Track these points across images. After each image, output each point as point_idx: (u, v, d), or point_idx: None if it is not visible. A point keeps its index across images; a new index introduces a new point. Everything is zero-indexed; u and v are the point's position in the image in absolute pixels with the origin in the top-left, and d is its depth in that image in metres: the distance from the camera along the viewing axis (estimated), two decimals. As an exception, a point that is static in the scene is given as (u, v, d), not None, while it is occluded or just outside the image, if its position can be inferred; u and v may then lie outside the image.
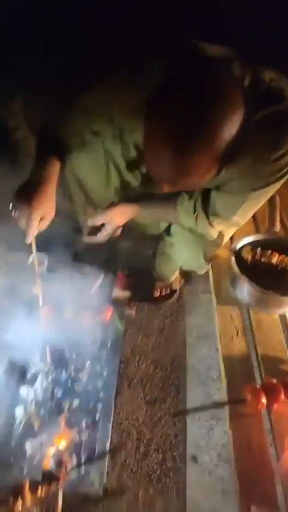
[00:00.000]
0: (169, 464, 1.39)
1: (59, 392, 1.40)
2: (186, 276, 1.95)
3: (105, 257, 1.96)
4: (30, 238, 1.25)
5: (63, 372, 1.44)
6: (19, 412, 1.34)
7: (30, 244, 1.28)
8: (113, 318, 1.60)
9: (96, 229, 1.42)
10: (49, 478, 0.71)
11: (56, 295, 1.62)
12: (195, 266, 1.71)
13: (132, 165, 1.53)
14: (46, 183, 1.23)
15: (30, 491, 0.69)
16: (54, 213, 1.27)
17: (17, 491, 0.69)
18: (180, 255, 1.61)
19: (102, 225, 1.44)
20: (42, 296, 1.43)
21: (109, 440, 1.31)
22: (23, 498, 0.68)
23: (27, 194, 1.19)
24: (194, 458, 1.41)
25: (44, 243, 1.79)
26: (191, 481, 1.36)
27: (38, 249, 1.60)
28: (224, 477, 1.37)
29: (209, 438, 1.45)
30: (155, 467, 1.38)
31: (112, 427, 1.41)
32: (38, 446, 1.26)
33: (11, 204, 1.21)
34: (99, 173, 1.59)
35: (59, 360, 1.48)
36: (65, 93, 1.43)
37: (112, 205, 1.42)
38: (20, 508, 0.68)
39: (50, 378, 1.43)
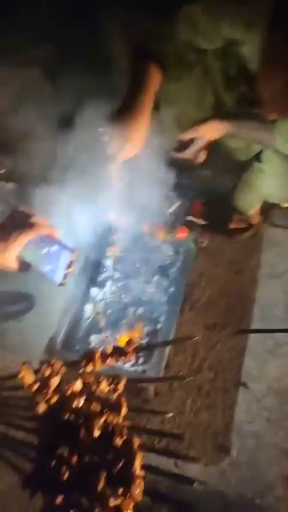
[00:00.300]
0: (219, 384, 1.44)
1: (125, 299, 1.47)
2: (265, 212, 1.87)
3: (185, 182, 1.92)
4: (116, 167, 1.22)
5: (132, 280, 1.50)
6: (88, 308, 1.44)
7: None
8: (187, 239, 1.60)
9: (184, 146, 1.37)
10: (118, 352, 0.76)
11: (132, 208, 1.65)
12: (282, 198, 1.63)
13: (231, 84, 1.44)
14: (143, 112, 1.15)
15: (100, 359, 0.75)
16: (143, 144, 1.19)
17: (89, 356, 0.74)
18: (269, 184, 1.53)
19: (191, 141, 1.39)
20: (118, 204, 1.46)
21: (167, 350, 1.37)
22: (93, 363, 0.74)
23: (123, 122, 1.13)
24: (245, 385, 1.44)
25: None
26: (238, 403, 1.40)
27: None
28: (272, 407, 1.39)
29: (263, 370, 1.47)
30: (205, 383, 1.44)
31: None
32: (101, 341, 1.37)
33: (100, 128, 1.16)
34: (193, 92, 1.52)
35: (129, 269, 1.53)
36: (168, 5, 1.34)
37: (205, 119, 1.35)
38: (90, 369, 0.73)
39: (119, 284, 1.50)
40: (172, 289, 1.48)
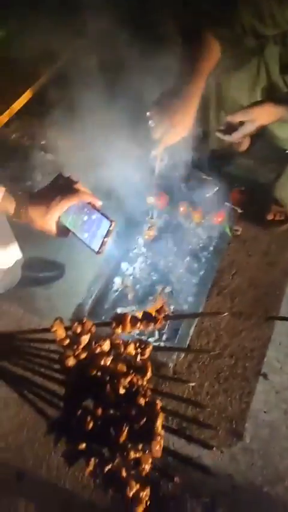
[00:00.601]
0: (239, 371, 1.44)
1: (154, 276, 1.48)
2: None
3: (226, 169, 1.90)
4: (159, 151, 1.21)
5: (163, 259, 1.51)
6: (117, 281, 1.47)
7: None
8: (223, 224, 1.58)
9: (232, 128, 1.35)
10: (148, 318, 0.77)
11: (171, 190, 1.65)
12: None
13: (286, 70, 1.40)
14: (193, 98, 1.12)
15: (130, 323, 0.76)
16: (190, 129, 1.18)
17: (120, 319, 0.76)
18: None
19: (240, 124, 1.36)
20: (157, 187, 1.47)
21: (192, 330, 1.38)
22: (123, 326, 0.75)
23: (171, 107, 1.10)
24: (265, 375, 1.43)
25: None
26: (256, 393, 1.40)
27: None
28: (290, 400, 1.38)
29: (285, 363, 1.46)
30: (225, 368, 1.44)
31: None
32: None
33: (148, 112, 1.14)
34: (246, 76, 1.48)
35: (162, 248, 1.54)
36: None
37: (259, 102, 1.30)
38: (119, 332, 0.75)
39: (149, 261, 1.52)
40: (202, 272, 1.48)
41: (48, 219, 0.86)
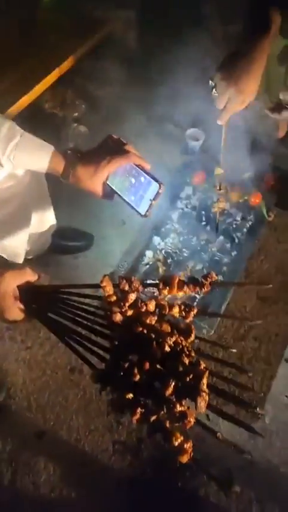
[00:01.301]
0: (262, 354, 1.44)
1: (186, 253, 1.48)
2: None
3: (267, 152, 1.87)
4: (224, 121, 1.13)
5: (195, 238, 1.51)
6: (149, 254, 1.47)
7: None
8: (260, 207, 1.57)
9: (281, 107, 1.31)
10: (196, 283, 0.77)
11: (208, 169, 1.63)
12: None
13: None
14: (258, 62, 1.04)
15: (177, 285, 0.76)
16: (255, 95, 1.09)
17: (167, 280, 0.76)
18: None
19: None
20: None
21: (223, 307, 1.38)
22: (170, 287, 0.75)
23: (235, 72, 1.03)
24: (288, 360, 1.43)
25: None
26: (278, 377, 1.40)
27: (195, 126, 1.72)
28: (312, 386, 1.38)
29: (309, 350, 1.45)
30: (248, 350, 1.45)
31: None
32: (156, 287, 1.40)
33: (211, 80, 1.08)
34: None
35: (194, 226, 1.53)
36: None
37: None
38: (166, 293, 0.75)
39: (181, 238, 1.51)
40: (234, 253, 1.47)
41: (96, 180, 0.85)
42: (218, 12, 2.00)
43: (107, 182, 0.86)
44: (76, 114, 2.16)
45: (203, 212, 1.55)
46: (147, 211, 0.83)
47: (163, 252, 1.48)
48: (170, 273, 1.42)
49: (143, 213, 0.84)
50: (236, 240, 1.50)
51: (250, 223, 1.53)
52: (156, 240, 1.50)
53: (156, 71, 1.99)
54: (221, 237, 1.50)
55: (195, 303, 1.36)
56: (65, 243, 1.62)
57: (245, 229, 1.52)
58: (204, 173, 1.57)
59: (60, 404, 1.34)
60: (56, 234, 1.55)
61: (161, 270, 1.43)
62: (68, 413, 1.32)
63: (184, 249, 1.49)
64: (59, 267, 1.63)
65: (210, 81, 1.08)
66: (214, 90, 1.08)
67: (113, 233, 1.62)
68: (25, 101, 1.68)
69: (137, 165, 0.84)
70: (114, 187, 0.86)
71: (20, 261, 1.31)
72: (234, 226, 1.54)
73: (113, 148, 0.87)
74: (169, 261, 1.46)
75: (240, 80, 1.02)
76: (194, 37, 2.01)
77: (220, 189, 1.54)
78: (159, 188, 0.81)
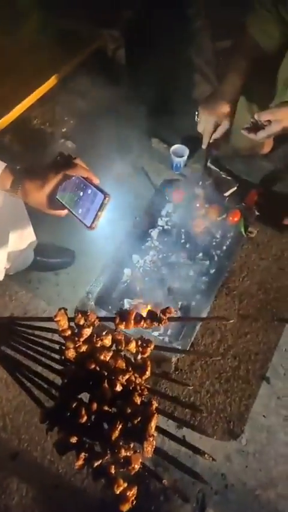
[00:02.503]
0: (241, 373, 1.43)
1: (164, 270, 1.47)
2: None
3: (245, 170, 1.87)
4: (205, 145, 1.44)
5: (174, 255, 1.50)
6: (127, 272, 1.46)
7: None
8: (238, 225, 1.56)
9: (257, 127, 1.31)
10: (153, 317, 0.76)
11: (188, 187, 1.63)
12: None
13: None
14: (233, 94, 1.35)
15: (134, 320, 0.75)
16: (231, 124, 1.38)
17: (124, 315, 0.75)
18: None
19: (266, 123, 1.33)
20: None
21: (197, 327, 1.37)
22: (127, 322, 0.75)
23: (214, 101, 1.34)
24: (267, 379, 1.42)
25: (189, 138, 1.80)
26: (257, 396, 1.39)
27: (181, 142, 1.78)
28: (290, 408, 1.37)
29: (289, 369, 1.44)
30: (227, 369, 1.43)
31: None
32: (133, 306, 1.39)
33: (197, 110, 1.39)
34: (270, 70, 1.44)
35: (174, 243, 1.53)
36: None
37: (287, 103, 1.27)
38: (122, 328, 0.75)
39: (160, 255, 1.50)
40: (213, 270, 1.46)
41: (43, 193, 0.85)
42: (207, 28, 2.02)
43: (57, 197, 0.86)
44: (64, 129, 2.16)
45: (183, 230, 1.54)
46: (92, 223, 0.82)
47: (141, 270, 1.47)
48: (147, 291, 1.41)
49: (88, 225, 0.83)
50: (215, 258, 1.49)
51: (229, 241, 1.52)
52: (136, 257, 1.49)
53: (143, 87, 1.99)
54: (200, 255, 1.49)
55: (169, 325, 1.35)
56: (46, 259, 1.62)
57: (224, 247, 1.51)
58: (184, 191, 1.57)
59: (36, 425, 1.34)
60: (37, 251, 1.55)
61: (137, 289, 1.42)
62: (43, 434, 1.31)
63: (163, 267, 1.48)
64: (41, 284, 1.62)
65: (196, 112, 1.40)
66: (197, 117, 1.40)
67: (94, 249, 1.61)
68: (11, 116, 1.69)
69: (85, 178, 0.84)
70: (63, 202, 0.86)
71: (0, 278, 1.31)
72: (213, 243, 1.52)
73: (61, 163, 0.87)
74: (147, 279, 1.45)
75: (217, 110, 1.34)
76: (182, 54, 2.01)
77: (200, 207, 1.54)
78: (105, 199, 0.81)
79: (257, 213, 1.66)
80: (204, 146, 1.44)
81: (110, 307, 1.37)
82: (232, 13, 1.51)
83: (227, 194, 1.70)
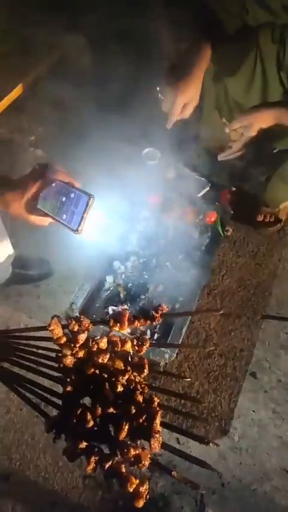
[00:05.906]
0: (228, 371, 1.45)
1: (147, 275, 1.48)
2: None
3: (217, 169, 1.91)
4: (171, 124, 1.28)
5: (155, 258, 1.51)
6: (109, 280, 1.46)
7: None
8: (215, 225, 1.59)
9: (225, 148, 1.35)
10: (146, 316, 0.77)
11: (162, 189, 1.65)
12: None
13: (285, 68, 1.40)
14: (196, 68, 1.22)
15: (128, 321, 0.76)
16: (198, 101, 1.26)
17: (117, 317, 0.75)
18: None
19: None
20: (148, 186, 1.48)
21: (184, 329, 1.38)
22: (121, 324, 0.75)
23: (175, 77, 1.21)
24: (253, 375, 1.45)
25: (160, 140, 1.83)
26: (245, 392, 1.41)
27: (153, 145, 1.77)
28: (278, 399, 1.40)
29: (273, 363, 1.47)
30: (214, 368, 1.45)
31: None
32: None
33: (158, 87, 1.24)
34: (242, 74, 1.48)
35: (154, 247, 1.54)
36: None
37: (255, 107, 1.30)
38: (116, 329, 0.75)
39: (141, 260, 1.51)
40: (194, 271, 1.49)
41: (24, 203, 0.84)
42: (169, 31, 2.07)
43: (38, 206, 0.85)
44: (33, 138, 2.15)
45: (161, 233, 1.56)
46: (79, 226, 0.81)
47: (123, 276, 1.47)
48: (131, 297, 1.42)
49: (75, 229, 0.81)
50: (195, 259, 1.52)
51: (207, 241, 1.55)
52: (117, 264, 1.49)
53: (110, 92, 2.01)
54: (180, 257, 1.51)
55: (156, 328, 1.36)
56: (25, 272, 1.59)
57: (203, 248, 1.54)
58: (159, 194, 1.59)
59: (27, 443, 1.30)
60: (15, 264, 1.51)
61: (121, 295, 1.42)
62: (35, 452, 1.28)
63: (145, 271, 1.49)
64: (21, 297, 1.59)
65: (157, 88, 1.25)
66: (160, 94, 1.26)
67: (74, 258, 1.60)
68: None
69: (66, 183, 0.83)
70: (46, 210, 0.85)
71: None
72: (192, 245, 1.55)
73: (41, 172, 0.86)
74: (129, 285, 1.45)
75: (180, 84, 1.19)
76: (147, 57, 2.05)
77: (176, 210, 1.57)
78: (89, 200, 0.80)
79: (231, 211, 1.70)
80: (168, 127, 1.29)
81: (94, 316, 1.36)
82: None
83: (200, 195, 1.73)
